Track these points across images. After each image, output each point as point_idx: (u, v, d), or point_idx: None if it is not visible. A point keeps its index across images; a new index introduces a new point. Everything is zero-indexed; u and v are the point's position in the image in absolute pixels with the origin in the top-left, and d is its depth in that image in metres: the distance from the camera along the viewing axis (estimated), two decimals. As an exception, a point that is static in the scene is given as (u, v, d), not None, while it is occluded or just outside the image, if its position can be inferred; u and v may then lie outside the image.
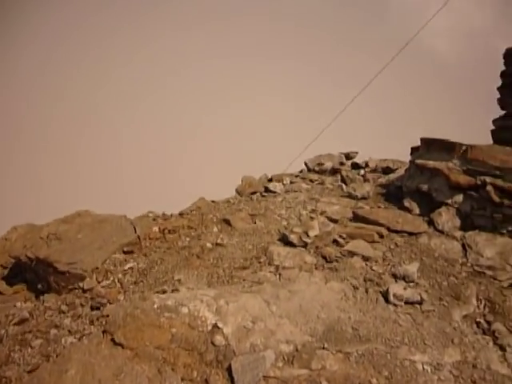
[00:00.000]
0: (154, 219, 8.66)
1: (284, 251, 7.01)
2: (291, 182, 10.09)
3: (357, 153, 11.57)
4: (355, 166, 11.01)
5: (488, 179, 7.33)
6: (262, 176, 10.63)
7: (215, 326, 5.43)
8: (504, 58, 8.35)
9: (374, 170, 10.56)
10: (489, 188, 7.26)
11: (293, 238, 7.26)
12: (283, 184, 9.90)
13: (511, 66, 8.25)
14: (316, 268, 6.67)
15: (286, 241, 7.32)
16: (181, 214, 8.82)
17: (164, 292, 6.20)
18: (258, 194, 9.54)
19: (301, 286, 6.13)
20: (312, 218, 7.84)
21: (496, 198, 7.20)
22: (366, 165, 11.27)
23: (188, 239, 7.89)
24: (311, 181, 10.11)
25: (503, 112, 8.48)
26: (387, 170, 10.31)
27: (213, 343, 5.27)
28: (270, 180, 10.46)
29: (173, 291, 6.19)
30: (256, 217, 8.17)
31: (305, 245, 7.17)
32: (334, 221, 7.83)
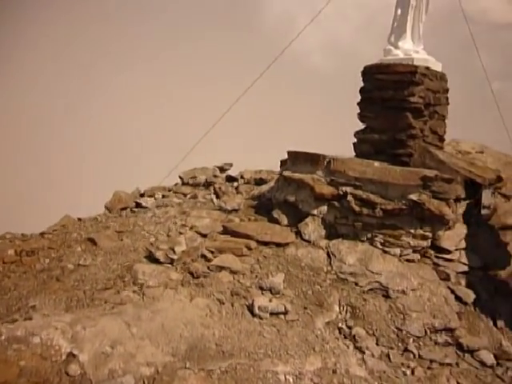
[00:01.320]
0: (11, 241, 7.98)
1: (149, 269, 6.77)
2: (163, 197, 9.89)
3: (231, 165, 11.64)
4: (230, 179, 11.06)
5: (349, 190, 7.71)
6: (134, 190, 10.31)
7: (70, 354, 5.06)
8: (362, 75, 8.85)
9: (247, 182, 10.68)
10: (349, 198, 7.63)
11: (159, 254, 7.05)
12: (155, 198, 9.68)
13: (368, 82, 8.76)
14: (182, 285, 6.52)
15: (152, 258, 7.09)
16: (42, 234, 8.20)
17: (14, 321, 5.65)
18: (128, 209, 9.21)
19: (164, 305, 5.94)
20: (181, 234, 7.69)
21: (356, 208, 7.58)
22: (242, 177, 11.35)
23: (48, 261, 7.36)
24: (184, 194, 9.99)
25: (363, 125, 8.96)
26: (260, 182, 10.46)
27: (67, 373, 4.90)
28: (143, 195, 10.16)
29: (25, 319, 5.67)
30: (123, 234, 7.85)
31: (171, 261, 6.99)
32: (204, 235, 7.75)
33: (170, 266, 6.92)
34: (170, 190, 10.38)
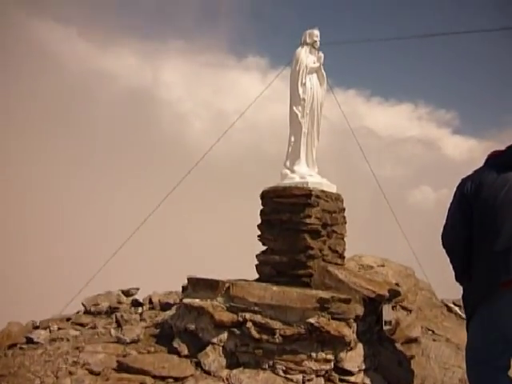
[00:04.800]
0: None
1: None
2: (59, 328, 9.25)
3: (138, 289, 11.30)
4: (135, 304, 10.66)
5: (248, 316, 7.58)
6: (28, 322, 9.64)
7: None
8: (260, 198, 9.14)
9: (153, 308, 10.33)
10: (249, 324, 7.49)
11: (41, 402, 6.45)
12: (50, 331, 9.05)
13: (267, 205, 9.03)
14: None
15: (33, 406, 6.46)
16: None
17: None
18: (17, 346, 8.51)
19: None
20: (70, 373, 7.13)
21: (256, 334, 7.41)
22: (150, 301, 10.99)
23: None
24: (82, 325, 9.44)
25: (265, 247, 9.08)
26: (166, 307, 10.15)
27: None
28: (37, 327, 9.50)
29: None
30: (4, 378, 7.15)
31: (53, 410, 6.40)
32: (96, 373, 7.22)
33: (52, 415, 6.32)
34: (68, 320, 9.79)
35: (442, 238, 4.88)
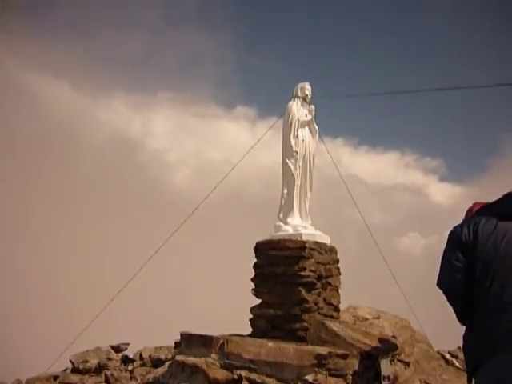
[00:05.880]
0: None
1: None
2: (46, 389, 8.95)
3: (128, 344, 10.96)
4: (126, 360, 10.34)
5: (243, 373, 7.38)
6: (14, 382, 9.27)
7: None
8: (254, 251, 9.06)
9: (144, 364, 10.01)
10: (244, 383, 7.27)
11: None
12: (36, 392, 8.72)
13: (261, 258, 8.95)
14: None
15: None
16: None
17: None
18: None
19: None
20: None
21: (252, 393, 7.20)
22: (141, 357, 10.67)
23: None
24: (71, 384, 9.12)
25: (259, 300, 8.93)
26: (157, 363, 9.85)
27: None
28: (23, 387, 9.15)
29: None
30: None
31: None
32: None
33: None
34: (56, 379, 9.44)
35: (439, 285, 4.80)
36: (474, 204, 5.04)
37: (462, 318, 4.77)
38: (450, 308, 4.95)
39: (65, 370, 10.14)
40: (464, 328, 4.68)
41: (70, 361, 10.24)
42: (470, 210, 5.04)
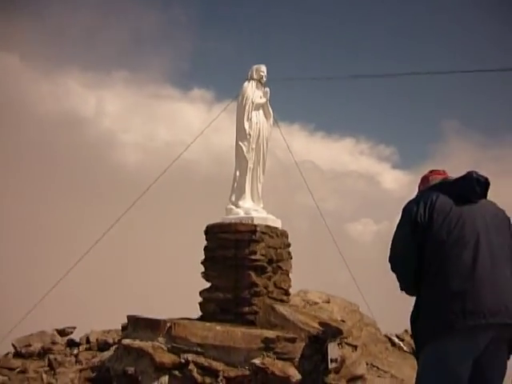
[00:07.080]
0: None
1: None
2: (-15, 374, 8.61)
3: (74, 328, 10.67)
4: (71, 344, 10.06)
5: (191, 357, 7.26)
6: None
7: None
8: (204, 234, 8.94)
9: (90, 348, 9.77)
10: (191, 367, 7.17)
11: None
12: (-26, 378, 8.39)
13: (211, 241, 8.85)
14: None
15: None
16: None
17: None
18: None
19: None
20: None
21: (198, 377, 7.10)
22: (87, 340, 10.41)
23: None
24: (11, 369, 8.78)
25: (208, 284, 8.85)
26: (104, 347, 9.63)
27: None
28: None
29: None
30: None
31: None
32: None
33: None
34: (-4, 363, 9.11)
35: (391, 259, 4.78)
36: (431, 172, 5.02)
37: (407, 289, 4.79)
38: (399, 292, 4.98)
39: (6, 354, 9.80)
40: (411, 310, 4.72)
41: (13, 345, 9.90)
42: (425, 178, 5.02)
